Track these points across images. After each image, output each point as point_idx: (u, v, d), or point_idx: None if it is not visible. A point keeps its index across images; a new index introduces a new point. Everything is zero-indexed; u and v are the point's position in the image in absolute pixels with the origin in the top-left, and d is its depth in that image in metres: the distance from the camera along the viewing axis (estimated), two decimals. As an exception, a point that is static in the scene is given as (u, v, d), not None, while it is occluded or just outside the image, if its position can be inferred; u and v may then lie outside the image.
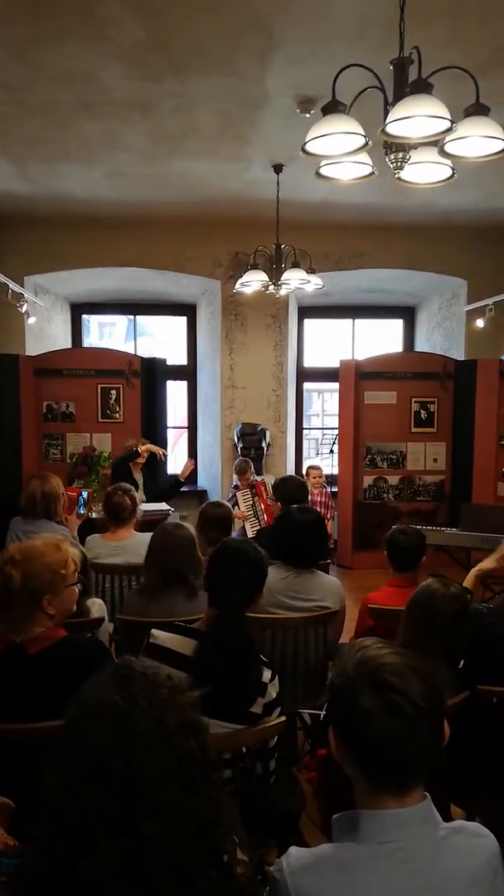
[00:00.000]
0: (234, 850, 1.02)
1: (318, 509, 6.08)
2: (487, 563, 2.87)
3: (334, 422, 7.61)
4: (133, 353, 7.42)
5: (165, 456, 5.98)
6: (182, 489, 6.18)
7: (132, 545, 3.51)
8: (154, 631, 2.00)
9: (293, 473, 7.21)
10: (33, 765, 1.54)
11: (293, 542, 2.86)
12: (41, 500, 3.59)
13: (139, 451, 5.59)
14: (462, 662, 2.11)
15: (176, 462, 7.62)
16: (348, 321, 8.23)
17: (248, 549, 2.07)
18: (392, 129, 2.20)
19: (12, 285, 5.75)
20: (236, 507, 5.68)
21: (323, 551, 2.99)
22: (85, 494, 5.18)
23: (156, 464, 5.94)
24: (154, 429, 6.75)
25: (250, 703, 1.88)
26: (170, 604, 2.67)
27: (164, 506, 5.46)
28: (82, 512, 4.94)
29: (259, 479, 6.06)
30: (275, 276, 5.36)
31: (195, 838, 0.91)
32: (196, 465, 6.17)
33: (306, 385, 8.20)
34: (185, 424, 8.04)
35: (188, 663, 1.85)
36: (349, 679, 1.14)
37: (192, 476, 7.89)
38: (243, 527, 5.73)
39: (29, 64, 3.68)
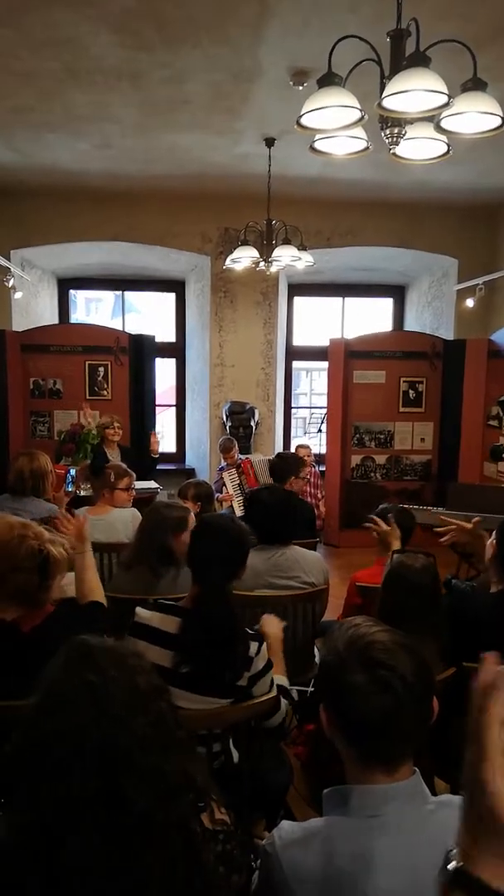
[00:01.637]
0: (212, 804, 1.04)
1: (308, 488, 6.10)
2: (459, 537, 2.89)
3: (322, 401, 7.60)
4: (121, 329, 7.35)
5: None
6: (163, 466, 6.14)
7: (111, 520, 3.55)
8: (138, 609, 2.00)
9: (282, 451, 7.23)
10: None
11: (265, 521, 2.86)
12: (30, 478, 3.57)
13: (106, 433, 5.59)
14: (446, 638, 2.13)
15: (165, 440, 7.60)
16: (338, 300, 8.19)
17: (227, 524, 2.08)
18: (388, 103, 2.16)
19: (-2, 259, 5.66)
20: (224, 488, 5.67)
21: (295, 528, 3.00)
22: (73, 472, 5.16)
23: (140, 441, 5.89)
24: (142, 406, 6.71)
25: (237, 677, 1.90)
26: (169, 583, 2.69)
27: (152, 484, 5.45)
28: (70, 489, 4.93)
29: (244, 457, 6.05)
30: (265, 252, 5.31)
31: (177, 798, 0.92)
32: (158, 438, 6.02)
33: (295, 364, 8.18)
34: (174, 402, 8.01)
35: (172, 641, 1.86)
36: (339, 656, 1.15)
37: (179, 454, 7.90)
38: (231, 507, 5.73)
39: (15, 29, 3.57)
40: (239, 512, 5.51)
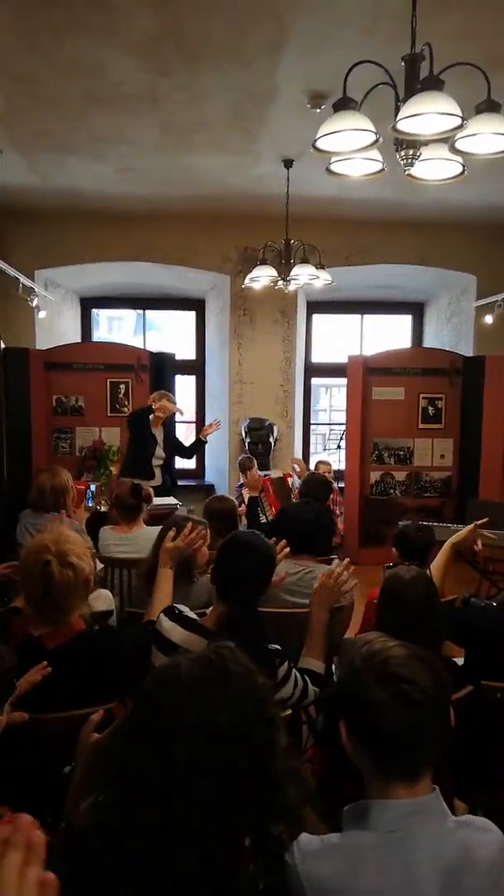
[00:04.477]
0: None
1: (328, 504, 6.09)
2: (458, 537, 2.90)
3: (342, 417, 7.60)
4: (142, 347, 7.44)
5: (181, 413, 5.78)
6: (182, 482, 6.08)
7: (142, 537, 3.53)
8: (161, 618, 1.98)
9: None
10: (57, 754, 1.55)
11: (296, 536, 2.86)
12: (51, 494, 3.61)
13: (153, 407, 5.43)
14: (464, 657, 2.11)
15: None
16: (357, 317, 8.21)
17: (256, 542, 2.06)
18: (403, 126, 2.20)
19: (23, 279, 5.78)
20: (242, 504, 5.69)
21: (323, 543, 3.00)
22: (93, 488, 5.22)
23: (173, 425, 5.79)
24: (163, 423, 6.76)
25: None
26: (183, 592, 2.69)
27: (171, 500, 5.48)
28: (90, 505, 4.98)
29: (264, 475, 6.06)
30: (284, 271, 5.36)
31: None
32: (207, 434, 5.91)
33: (314, 380, 8.20)
34: (193, 419, 8.06)
35: None
36: (357, 673, 1.17)
37: (199, 471, 7.93)
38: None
39: (39, 55, 3.69)
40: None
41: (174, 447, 5.68)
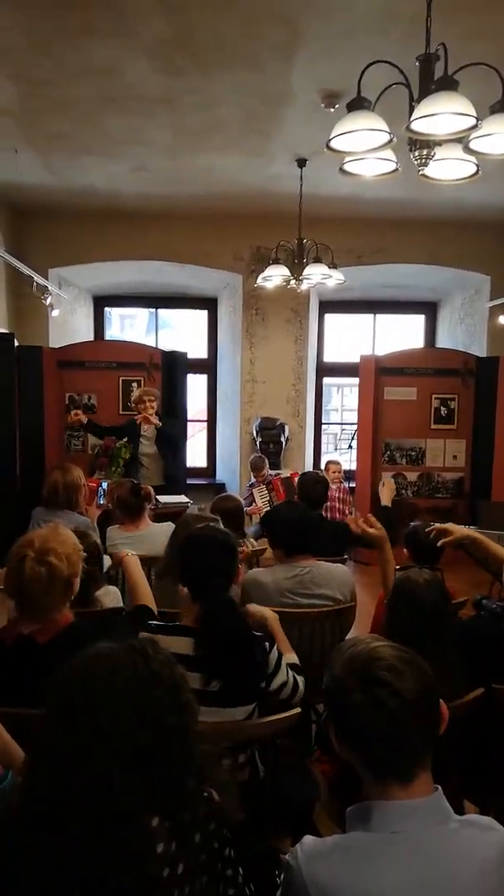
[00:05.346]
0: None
1: (336, 504, 6.09)
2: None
3: (353, 417, 7.59)
4: (154, 346, 7.47)
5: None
6: (193, 481, 6.07)
7: (148, 536, 3.56)
8: (142, 634, 1.99)
9: (311, 468, 7.23)
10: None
11: (285, 536, 2.84)
12: (63, 491, 3.64)
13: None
14: (458, 657, 2.10)
15: (196, 455, 7.68)
16: (369, 316, 8.19)
17: (213, 534, 2.09)
18: (417, 126, 2.19)
19: (37, 277, 5.82)
20: (253, 503, 5.70)
21: (318, 543, 2.98)
22: (105, 485, 5.24)
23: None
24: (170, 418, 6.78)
25: (261, 680, 1.94)
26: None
27: (182, 498, 5.50)
28: (102, 502, 5.01)
29: (275, 474, 6.07)
30: (296, 270, 5.36)
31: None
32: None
33: (326, 380, 8.19)
34: (205, 418, 8.08)
35: (192, 662, 1.85)
36: (337, 678, 1.18)
37: (210, 469, 7.95)
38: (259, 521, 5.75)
39: (54, 58, 3.72)
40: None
41: (166, 440, 5.68)
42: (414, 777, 1.11)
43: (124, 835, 0.92)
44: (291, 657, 2.18)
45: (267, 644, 1.98)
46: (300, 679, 2.07)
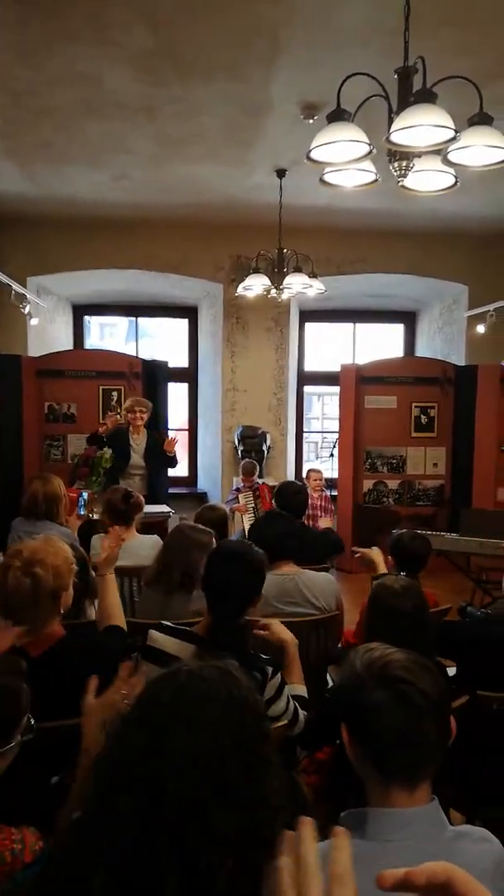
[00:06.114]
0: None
1: (318, 513, 6.10)
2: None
3: (335, 425, 7.62)
4: (134, 354, 7.44)
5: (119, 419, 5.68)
6: (175, 489, 6.01)
7: (134, 546, 3.52)
8: (151, 632, 1.99)
9: (293, 477, 7.24)
10: (48, 763, 1.54)
11: (266, 545, 2.84)
12: (43, 501, 3.59)
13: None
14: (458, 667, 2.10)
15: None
16: (349, 325, 8.25)
17: (242, 551, 2.03)
18: (396, 137, 2.21)
19: (15, 286, 5.77)
20: (236, 502, 5.71)
21: (298, 551, 2.98)
22: (85, 495, 5.19)
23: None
24: (155, 431, 6.76)
25: None
26: (181, 602, 2.69)
27: (164, 507, 5.47)
28: (82, 513, 4.96)
29: (261, 481, 6.07)
30: (277, 280, 5.38)
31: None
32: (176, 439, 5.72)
33: (307, 388, 8.22)
34: (186, 427, 8.06)
35: None
36: (359, 677, 1.19)
37: (191, 478, 7.92)
38: (243, 527, 5.74)
39: (35, 67, 3.70)
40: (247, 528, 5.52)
41: (156, 457, 5.53)
42: (419, 784, 1.12)
43: (205, 861, 0.87)
44: (299, 689, 2.11)
45: (270, 669, 1.91)
46: (302, 713, 2.00)
